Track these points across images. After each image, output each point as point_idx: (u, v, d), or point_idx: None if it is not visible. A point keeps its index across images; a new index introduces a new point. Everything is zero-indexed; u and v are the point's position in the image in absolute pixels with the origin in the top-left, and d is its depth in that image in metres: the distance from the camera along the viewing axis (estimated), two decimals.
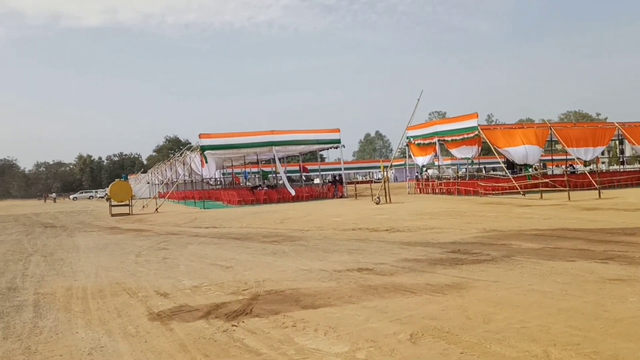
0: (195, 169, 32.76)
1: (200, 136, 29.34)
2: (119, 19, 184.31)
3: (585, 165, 31.95)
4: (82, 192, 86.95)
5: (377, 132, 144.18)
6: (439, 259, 8.51)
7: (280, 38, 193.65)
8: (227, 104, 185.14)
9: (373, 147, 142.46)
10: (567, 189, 22.10)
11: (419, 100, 25.77)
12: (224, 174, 60.24)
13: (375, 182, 34.53)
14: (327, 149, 35.50)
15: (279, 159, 43.70)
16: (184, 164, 37.00)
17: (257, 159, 39.24)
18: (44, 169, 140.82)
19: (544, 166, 43.55)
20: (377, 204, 24.46)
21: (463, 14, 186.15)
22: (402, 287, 6.52)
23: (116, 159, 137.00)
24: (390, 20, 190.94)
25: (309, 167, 58.97)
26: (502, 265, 7.75)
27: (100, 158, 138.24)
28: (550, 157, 37.54)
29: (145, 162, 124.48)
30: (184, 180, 56.24)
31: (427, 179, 35.75)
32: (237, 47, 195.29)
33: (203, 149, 29.25)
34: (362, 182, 42.29)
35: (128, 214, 26.35)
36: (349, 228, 14.32)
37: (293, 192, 31.52)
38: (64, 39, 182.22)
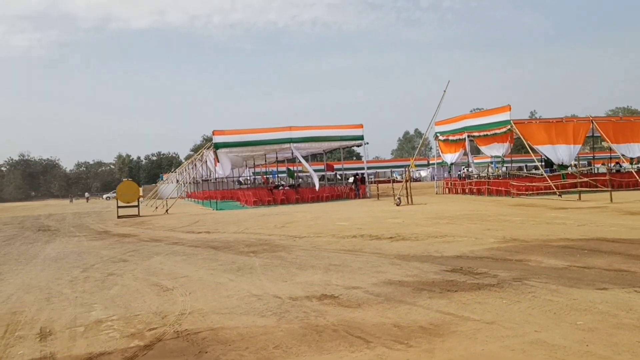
0: (212, 168, 31.35)
1: (213, 133, 27.87)
2: (166, 20, 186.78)
3: (631, 163, 29.07)
4: (114, 192, 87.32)
5: (416, 129, 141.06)
6: (429, 282, 6.67)
7: (323, 37, 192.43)
8: (268, 102, 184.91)
9: (412, 145, 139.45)
10: (610, 189, 19.66)
11: (445, 91, 23.69)
12: (254, 173, 59.09)
13: (398, 182, 32.32)
14: (350, 147, 33.60)
15: (304, 157, 42.23)
16: (203, 163, 35.74)
17: (277, 157, 37.59)
18: (84, 169, 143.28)
19: (589, 164, 40.46)
20: (397, 205, 22.54)
21: (509, 8, 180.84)
22: (357, 330, 4.75)
23: (154, 158, 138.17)
24: (434, 17, 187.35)
25: (339, 166, 57.19)
26: (507, 293, 5.87)
27: (138, 157, 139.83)
28: (592, 155, 34.62)
29: (183, 161, 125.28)
30: (208, 180, 55.45)
31: (467, 178, 33.05)
32: (280, 46, 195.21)
33: (216, 146, 27.77)
34: (383, 182, 39.94)
35: (136, 216, 25.18)
36: (350, 235, 12.54)
37: (318, 187, 29.83)
38: (114, 41, 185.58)
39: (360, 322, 5.03)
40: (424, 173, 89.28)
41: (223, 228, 16.44)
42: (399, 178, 67.06)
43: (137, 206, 25.55)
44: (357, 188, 31.48)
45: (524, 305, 5.34)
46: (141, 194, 27.23)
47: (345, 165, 68.61)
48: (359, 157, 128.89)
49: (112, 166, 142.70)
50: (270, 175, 62.82)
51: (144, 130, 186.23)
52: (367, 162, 36.82)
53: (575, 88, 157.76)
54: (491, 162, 48.65)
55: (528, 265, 7.61)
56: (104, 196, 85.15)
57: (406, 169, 27.20)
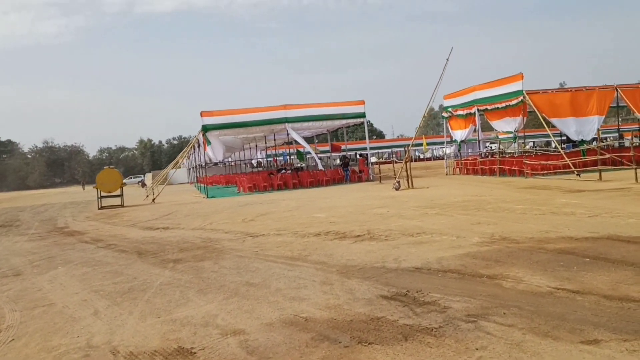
0: (209, 152, 29.41)
1: (201, 114, 25.79)
2: (190, 1, 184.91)
3: None
4: (131, 178, 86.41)
5: (440, 105, 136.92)
6: (346, 322, 4.65)
7: (348, 11, 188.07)
8: (295, 82, 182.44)
9: (437, 121, 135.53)
10: (634, 166, 17.14)
11: (447, 60, 21.29)
12: (268, 155, 57.19)
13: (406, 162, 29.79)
14: (352, 125, 31.32)
15: (307, 138, 40.11)
16: (199, 147, 33.86)
17: (274, 139, 35.52)
18: (107, 155, 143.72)
19: (621, 137, 37.27)
20: (396, 190, 20.39)
21: None
22: None
23: (175, 142, 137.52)
24: None
25: (351, 147, 55.00)
26: (444, 350, 3.81)
27: (160, 142, 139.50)
28: (616, 127, 31.62)
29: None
30: (219, 163, 53.68)
31: (492, 156, 29.18)
32: (305, 24, 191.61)
33: (205, 128, 25.73)
34: (384, 163, 36.92)
35: (119, 206, 23.54)
36: (313, 233, 10.55)
37: (320, 168, 27.82)
38: (140, 24, 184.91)
39: None
40: (448, 150, 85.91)
41: (187, 223, 14.59)
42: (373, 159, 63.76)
43: (120, 196, 23.89)
44: (347, 171, 29.14)
45: None
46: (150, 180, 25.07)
47: (361, 145, 66.07)
48: (380, 136, 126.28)
49: (134, 151, 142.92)
50: (281, 158, 60.62)
51: (168, 113, 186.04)
52: (393, 140, 34.29)
53: (613, 57, 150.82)
54: (516, 138, 45.70)
55: (501, 286, 5.50)
56: None
57: (406, 148, 24.87)
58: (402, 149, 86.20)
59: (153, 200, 25.46)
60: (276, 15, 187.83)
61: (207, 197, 25.20)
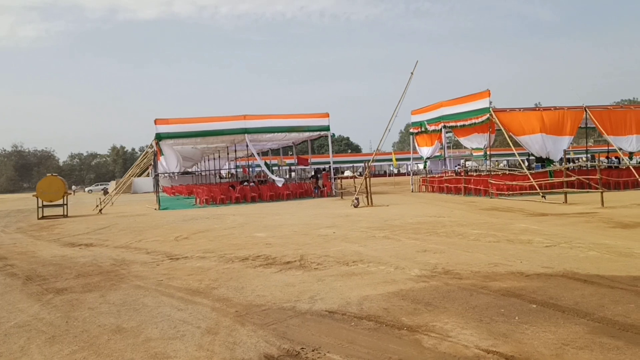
0: (162, 162, 27.92)
1: (155, 122, 24.38)
2: (174, 10, 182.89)
3: (630, 158, 25.58)
4: (97, 185, 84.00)
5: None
6: None
7: (332, 27, 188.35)
8: (275, 94, 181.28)
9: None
10: (600, 189, 16.30)
11: (412, 73, 20.30)
12: (237, 166, 55.67)
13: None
14: (316, 138, 30.19)
15: (273, 150, 38.84)
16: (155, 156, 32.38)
17: (235, 150, 34.21)
18: (78, 161, 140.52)
19: (592, 158, 36.81)
20: (355, 207, 19.28)
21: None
22: None
23: (151, 150, 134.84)
24: (443, 8, 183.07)
25: (317, 160, 53.91)
26: None
27: (133, 149, 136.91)
28: (584, 149, 31.11)
29: None
30: (192, 173, 51.99)
31: (466, 173, 28.24)
32: (288, 36, 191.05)
33: (159, 137, 24.33)
34: (346, 178, 35.59)
35: (62, 217, 21.95)
36: (240, 257, 9.37)
37: (281, 183, 26.59)
38: (122, 31, 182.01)
39: None
40: (415, 167, 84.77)
41: (116, 239, 13.21)
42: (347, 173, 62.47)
43: (63, 205, 22.30)
44: (317, 185, 27.98)
45: None
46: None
47: (336, 159, 64.89)
48: (357, 150, 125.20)
49: (107, 158, 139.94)
50: (258, 169, 59.04)
51: (144, 121, 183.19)
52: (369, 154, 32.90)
53: (589, 79, 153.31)
54: (486, 155, 45.03)
55: (420, 345, 4.35)
56: (86, 189, 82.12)
57: (366, 164, 23.82)
58: (379, 163, 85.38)
59: (100, 211, 23.89)
60: (259, 27, 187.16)
61: (159, 209, 23.75)
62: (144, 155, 30.70)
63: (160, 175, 48.28)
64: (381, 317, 5.21)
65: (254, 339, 4.68)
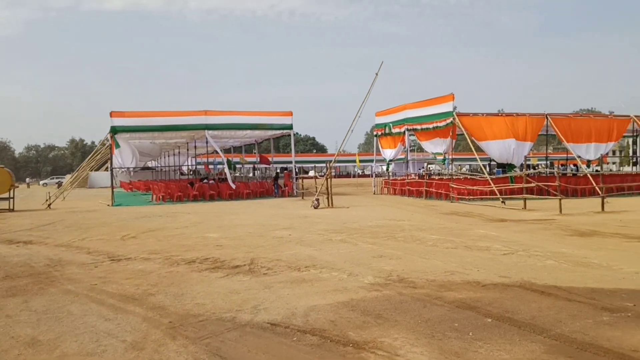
0: (117, 156, 26.88)
1: (111, 114, 23.42)
2: (141, 2, 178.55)
3: (588, 166, 25.96)
4: (53, 178, 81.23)
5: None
6: None
7: (301, 27, 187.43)
8: (240, 94, 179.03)
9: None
10: (559, 196, 16.35)
11: (377, 74, 20.04)
12: (198, 163, 54.45)
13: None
14: (279, 136, 29.67)
15: (236, 148, 38.15)
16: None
17: (195, 146, 33.43)
18: (35, 152, 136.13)
19: (551, 164, 37.34)
20: (315, 208, 18.89)
21: (486, 7, 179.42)
22: None
23: (109, 143, 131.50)
24: (412, 12, 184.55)
25: (281, 159, 53.37)
26: None
27: (93, 142, 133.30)
28: (544, 156, 31.52)
29: None
30: (154, 168, 50.59)
31: (429, 177, 27.86)
32: (258, 35, 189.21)
33: (114, 130, 23.39)
34: (309, 178, 35.06)
35: (8, 210, 20.86)
36: (188, 259, 8.85)
37: (234, 186, 25.94)
38: (86, 21, 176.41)
39: None
40: (377, 169, 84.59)
41: (59, 236, 12.47)
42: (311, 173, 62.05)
43: (9, 199, 21.21)
44: (277, 185, 27.45)
45: None
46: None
47: (301, 158, 64.13)
48: (322, 150, 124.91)
49: (65, 150, 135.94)
50: (221, 166, 57.88)
51: (106, 115, 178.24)
52: (333, 155, 32.34)
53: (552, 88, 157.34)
54: (445, 160, 45.21)
55: None
56: (41, 182, 79.39)
57: (327, 164, 23.46)
58: (344, 164, 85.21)
59: (49, 205, 22.83)
60: (228, 24, 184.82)
61: (112, 205, 22.87)
62: (97, 149, 29.55)
63: (117, 170, 46.96)
64: (327, 330, 4.80)
65: (183, 356, 4.21)
